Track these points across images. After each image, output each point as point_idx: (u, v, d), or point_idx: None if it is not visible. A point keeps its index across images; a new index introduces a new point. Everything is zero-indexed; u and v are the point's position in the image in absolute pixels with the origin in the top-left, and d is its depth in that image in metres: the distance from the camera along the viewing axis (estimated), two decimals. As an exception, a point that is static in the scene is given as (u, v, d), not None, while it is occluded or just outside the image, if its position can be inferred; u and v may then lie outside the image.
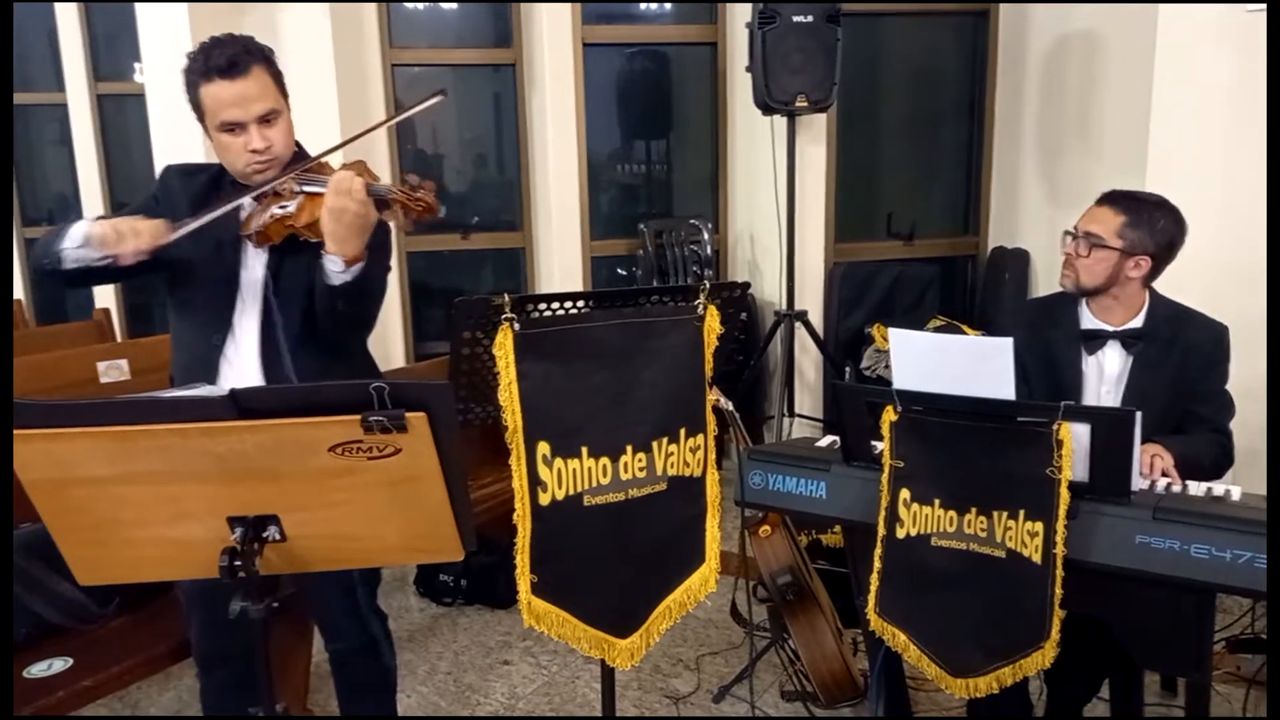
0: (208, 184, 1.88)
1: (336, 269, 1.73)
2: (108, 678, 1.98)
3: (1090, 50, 3.80)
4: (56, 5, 5.00)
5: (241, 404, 1.26)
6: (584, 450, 1.62)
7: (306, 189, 1.77)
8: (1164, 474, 1.87)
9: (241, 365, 1.85)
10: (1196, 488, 1.78)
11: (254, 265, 1.86)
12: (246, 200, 1.81)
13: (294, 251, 1.82)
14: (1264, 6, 3.14)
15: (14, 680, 1.94)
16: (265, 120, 1.78)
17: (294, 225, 1.77)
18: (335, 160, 1.90)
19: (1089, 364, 2.14)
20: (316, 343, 1.85)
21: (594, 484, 1.63)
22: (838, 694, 2.48)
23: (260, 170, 1.80)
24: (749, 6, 3.75)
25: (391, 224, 1.85)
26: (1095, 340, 2.13)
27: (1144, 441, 1.90)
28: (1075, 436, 1.60)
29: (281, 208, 1.77)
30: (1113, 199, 2.13)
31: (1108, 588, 1.66)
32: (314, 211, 1.75)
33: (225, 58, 1.73)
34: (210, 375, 1.83)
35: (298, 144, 1.89)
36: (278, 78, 1.82)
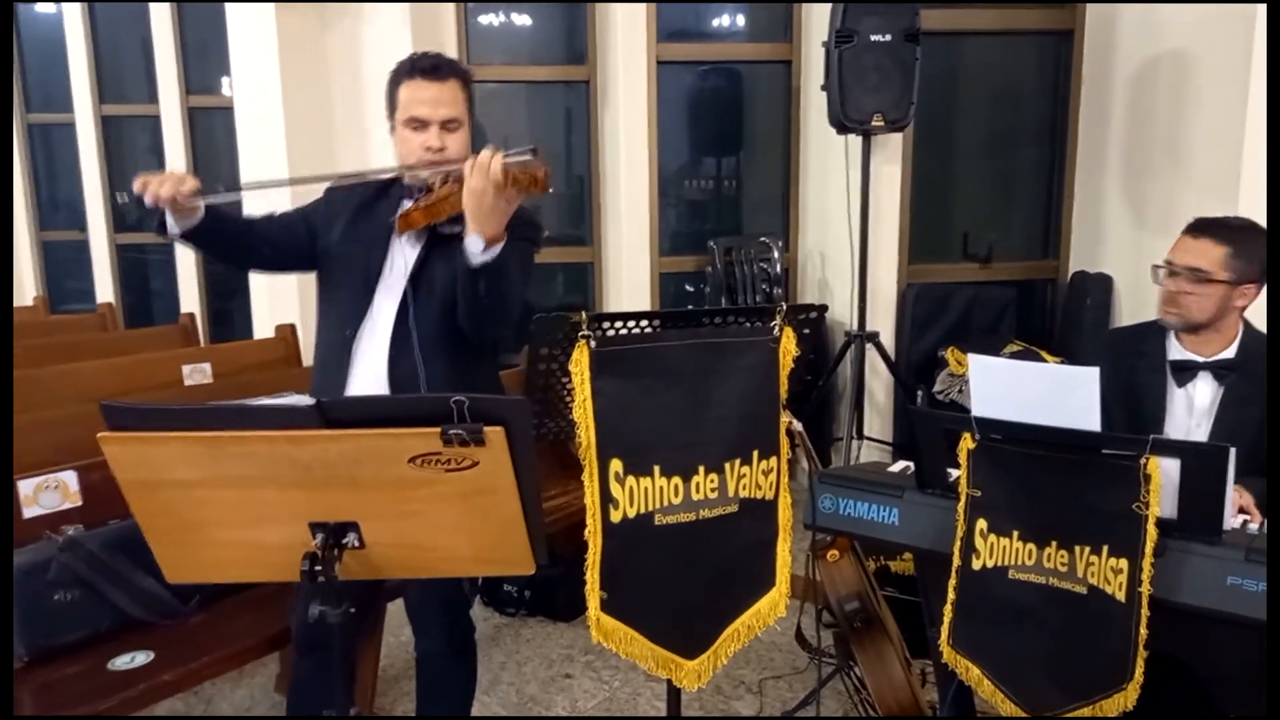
0: (372, 195, 2.01)
1: (476, 249, 1.75)
2: (187, 673, 2.03)
3: (1181, 70, 3.70)
4: (152, 21, 5.20)
5: (327, 414, 1.29)
6: (656, 469, 1.62)
7: (448, 180, 1.85)
8: (1242, 510, 1.79)
9: (373, 355, 1.93)
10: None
11: (398, 263, 1.94)
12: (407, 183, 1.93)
13: (441, 247, 1.89)
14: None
15: (98, 672, 2.01)
16: (447, 126, 1.91)
17: (427, 210, 1.85)
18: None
19: (1178, 396, 2.07)
20: (448, 342, 1.91)
21: (665, 503, 1.63)
22: (904, 725, 2.42)
23: (430, 169, 1.90)
24: (825, 25, 3.73)
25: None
26: (1186, 372, 2.06)
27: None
28: (1164, 471, 1.55)
29: (426, 198, 1.87)
30: (1205, 229, 2.05)
31: (1195, 629, 1.59)
32: (443, 194, 1.84)
33: (430, 62, 1.93)
34: (342, 369, 1.93)
35: None
36: (470, 99, 1.98)
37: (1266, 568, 1.44)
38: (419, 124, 1.90)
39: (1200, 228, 2.05)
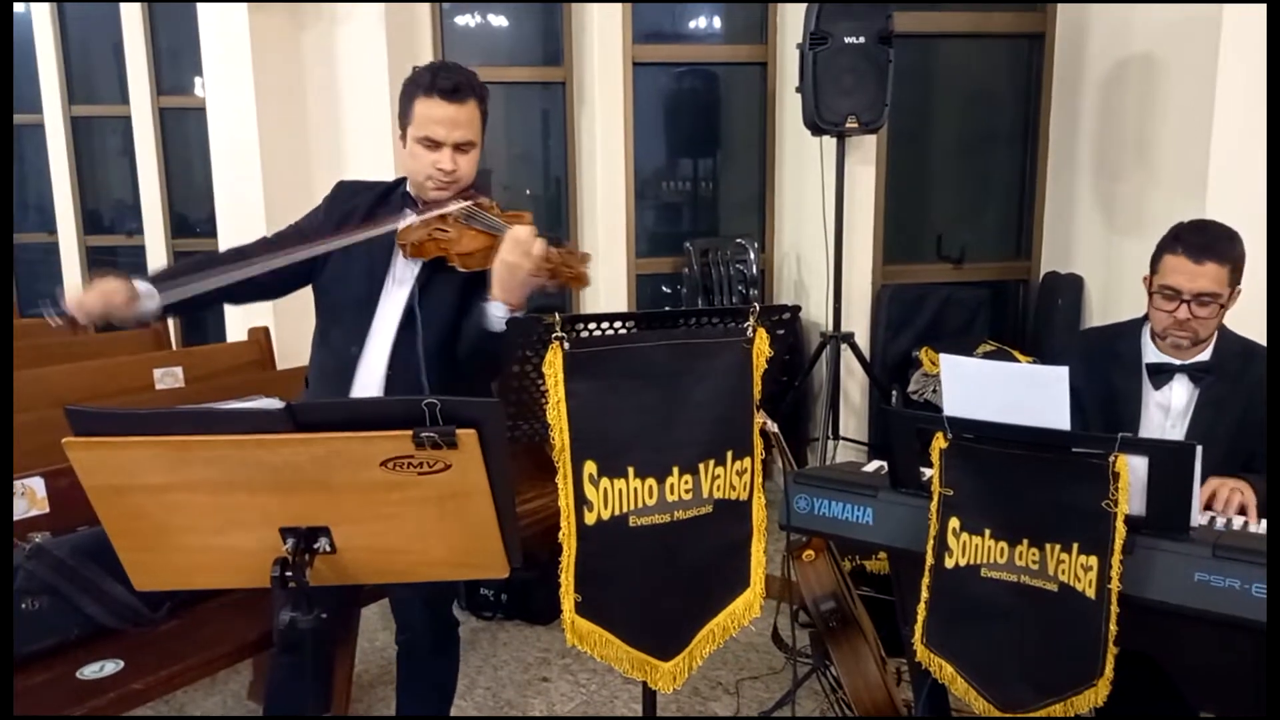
0: (374, 200, 1.98)
1: (499, 314, 1.77)
2: (157, 681, 2.00)
3: (1150, 73, 3.74)
4: (123, 21, 5.14)
5: (297, 417, 1.28)
6: (630, 470, 1.62)
7: (471, 223, 1.85)
8: (1241, 510, 1.81)
9: (373, 369, 1.92)
10: (1259, 526, 1.73)
11: (402, 278, 1.93)
12: (414, 217, 1.90)
13: (443, 269, 1.88)
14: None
15: (66, 680, 1.98)
16: (461, 148, 1.88)
17: (447, 250, 1.85)
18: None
19: (1153, 398, 2.09)
20: (445, 363, 1.90)
21: (640, 505, 1.63)
22: (880, 723, 2.43)
23: (438, 189, 1.89)
24: (800, 27, 3.74)
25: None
26: (1161, 374, 2.08)
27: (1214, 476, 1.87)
28: (1132, 469, 1.56)
29: (443, 231, 1.86)
30: (1206, 252, 1.98)
31: (1163, 625, 1.61)
32: (469, 244, 1.84)
33: (451, 82, 1.86)
34: (345, 385, 1.91)
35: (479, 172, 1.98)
36: (484, 116, 1.94)
37: (1267, 568, 1.45)
38: (432, 144, 1.87)
39: (1200, 250, 1.98)
